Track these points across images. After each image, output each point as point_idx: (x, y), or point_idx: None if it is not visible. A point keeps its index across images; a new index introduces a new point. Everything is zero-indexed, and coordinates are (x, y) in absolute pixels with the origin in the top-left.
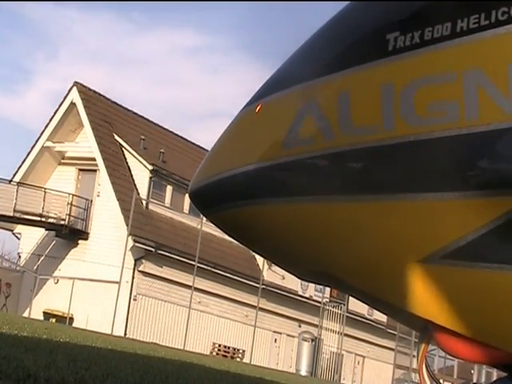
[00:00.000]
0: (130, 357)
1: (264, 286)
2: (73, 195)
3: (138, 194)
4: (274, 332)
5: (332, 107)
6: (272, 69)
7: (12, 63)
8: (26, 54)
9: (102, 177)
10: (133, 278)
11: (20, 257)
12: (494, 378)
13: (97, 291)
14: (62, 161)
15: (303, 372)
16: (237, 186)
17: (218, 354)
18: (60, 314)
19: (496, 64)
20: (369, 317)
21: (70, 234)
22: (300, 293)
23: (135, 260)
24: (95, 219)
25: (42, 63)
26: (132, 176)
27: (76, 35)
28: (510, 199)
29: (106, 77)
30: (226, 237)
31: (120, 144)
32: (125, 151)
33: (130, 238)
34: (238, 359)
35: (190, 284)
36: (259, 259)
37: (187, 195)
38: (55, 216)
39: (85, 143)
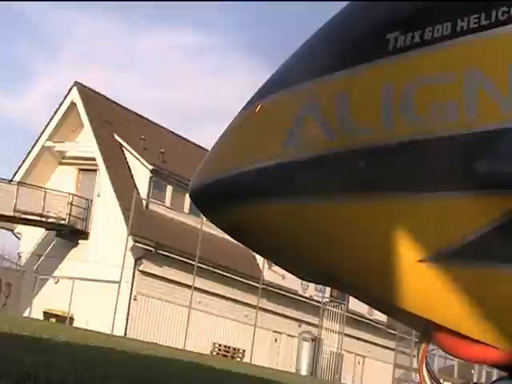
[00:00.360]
0: (130, 357)
1: (264, 286)
2: (73, 195)
3: (139, 193)
4: (274, 332)
5: (332, 107)
6: (272, 69)
7: (12, 63)
8: (27, 54)
9: (103, 177)
10: (133, 277)
11: (20, 257)
12: (494, 377)
13: (97, 291)
14: (63, 160)
15: (303, 372)
16: (237, 186)
17: (218, 353)
18: (60, 313)
19: (496, 64)
20: (369, 317)
21: (70, 233)
22: (300, 293)
23: (135, 260)
24: (95, 219)
25: (42, 63)
26: (132, 176)
27: (76, 35)
28: (509, 199)
29: (106, 77)
30: (227, 236)
31: (120, 144)
32: (125, 151)
33: (130, 237)
34: (238, 359)
35: (190, 284)
36: (259, 259)
37: (187, 195)
38: (55, 216)
39: (85, 143)
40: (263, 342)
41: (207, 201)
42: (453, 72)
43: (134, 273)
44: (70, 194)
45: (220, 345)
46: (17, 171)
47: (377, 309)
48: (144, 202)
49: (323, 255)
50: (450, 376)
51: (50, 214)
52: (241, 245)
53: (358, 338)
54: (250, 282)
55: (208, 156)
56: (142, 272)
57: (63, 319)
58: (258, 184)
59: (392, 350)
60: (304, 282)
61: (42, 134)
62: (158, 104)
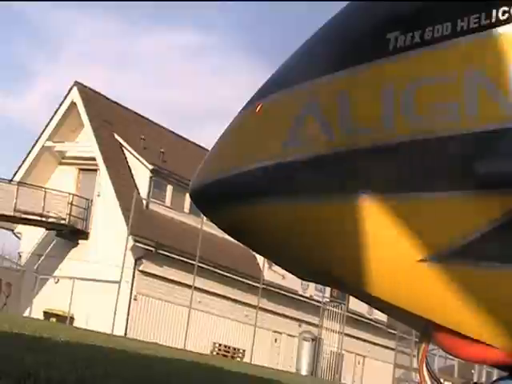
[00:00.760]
0: (130, 356)
1: (264, 286)
2: (73, 195)
3: (139, 193)
4: (275, 332)
5: (332, 107)
6: (272, 69)
7: (12, 63)
8: (27, 54)
9: (103, 176)
10: (133, 277)
11: (20, 256)
12: (495, 377)
13: (97, 291)
14: (63, 160)
15: (303, 372)
16: (237, 185)
17: (218, 353)
18: (60, 313)
19: (496, 64)
20: (369, 316)
21: (70, 233)
22: (300, 292)
23: (135, 260)
24: (95, 219)
25: (42, 63)
26: (132, 175)
27: (76, 35)
28: (509, 199)
29: (106, 77)
30: (227, 236)
31: (120, 143)
32: (125, 151)
33: (130, 237)
34: (239, 359)
35: (191, 284)
36: (260, 259)
37: (188, 195)
38: (55, 216)
39: (85, 143)
40: (263, 341)
41: (207, 200)
42: (453, 72)
43: (134, 273)
44: (70, 193)
45: (220, 345)
46: (17, 171)
47: (377, 308)
48: (144, 202)
49: (323, 255)
50: (451, 376)
51: (50, 214)
52: (241, 245)
53: (358, 338)
54: (250, 282)
55: (208, 156)
56: (142, 272)
57: (63, 319)
58: (257, 184)
59: (392, 349)
60: (304, 282)
61: (42, 133)
62: (158, 104)
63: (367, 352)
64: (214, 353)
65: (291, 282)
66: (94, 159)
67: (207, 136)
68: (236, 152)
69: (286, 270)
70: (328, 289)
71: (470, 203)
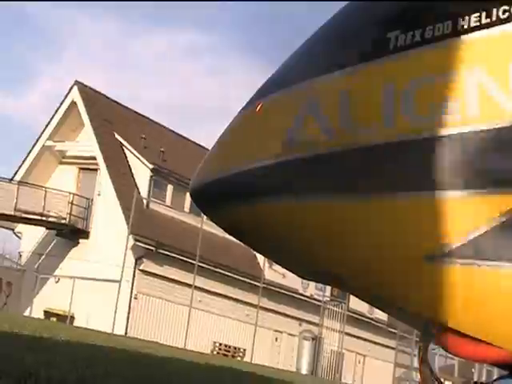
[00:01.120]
0: (130, 356)
1: (265, 285)
2: (73, 194)
3: (139, 192)
4: (275, 331)
5: (332, 106)
6: (272, 69)
7: (13, 63)
8: (27, 54)
9: (103, 176)
10: (133, 276)
11: (21, 256)
12: (495, 376)
13: (98, 290)
14: (63, 160)
15: (304, 371)
16: (238, 184)
17: (218, 352)
18: (61, 312)
19: (497, 62)
20: (369, 315)
21: (70, 233)
22: (301, 291)
23: (136, 259)
24: (96, 218)
25: (42, 63)
26: (133, 175)
27: (76, 35)
28: (511, 197)
29: (107, 76)
30: (227, 236)
31: (120, 143)
32: (125, 150)
33: (130, 236)
34: (239, 358)
35: (191, 283)
36: (260, 258)
37: (188, 194)
38: (56, 215)
39: (85, 142)
40: (264, 341)
41: (208, 200)
42: (454, 70)
43: (134, 272)
44: (70, 193)
45: (221, 344)
46: (17, 170)
47: (377, 307)
48: (144, 201)
49: (324, 254)
50: (451, 375)
51: (51, 214)
52: (241, 244)
53: (359, 337)
54: (250, 281)
55: (208, 155)
56: (143, 271)
57: (64, 318)
58: (258, 183)
59: (393, 348)
60: (304, 281)
61: (42, 133)
62: (158, 103)
63: (368, 351)
64: (215, 352)
65: (292, 281)
66: (94, 158)
67: (207, 135)
68: (236, 151)
69: (286, 268)
70: (328, 288)
71: (473, 202)
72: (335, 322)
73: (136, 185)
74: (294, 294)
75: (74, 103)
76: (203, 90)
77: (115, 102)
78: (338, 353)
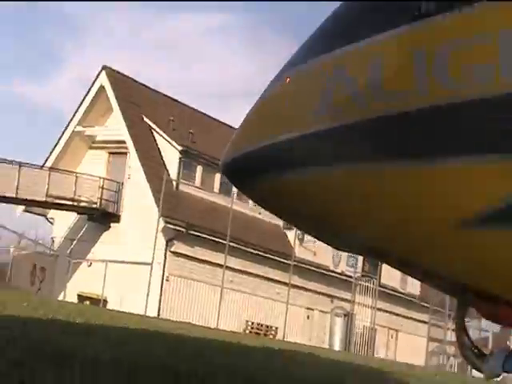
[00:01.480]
0: (163, 336)
1: (295, 263)
2: (104, 179)
3: (169, 175)
4: (307, 308)
5: (363, 74)
6: (300, 41)
7: (41, 49)
8: (55, 40)
9: (133, 159)
10: (165, 258)
11: (53, 241)
12: None
13: (130, 273)
14: (93, 145)
15: (336, 347)
16: (273, 156)
17: (251, 331)
18: (94, 296)
19: None
20: (401, 290)
21: (101, 217)
22: (332, 268)
23: (167, 241)
24: (126, 202)
25: (70, 49)
26: (162, 157)
27: (103, 20)
28: None
29: (134, 60)
30: (257, 215)
31: (149, 126)
32: (154, 133)
33: (161, 219)
34: (271, 336)
35: (222, 263)
36: (290, 236)
37: (217, 175)
38: (87, 200)
39: (114, 126)
40: (296, 318)
41: (241, 173)
42: (488, 33)
43: (165, 254)
44: (100, 177)
45: (253, 323)
46: (48, 157)
47: (413, 277)
48: (174, 183)
49: (359, 223)
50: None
51: (82, 198)
52: (271, 222)
53: (391, 312)
54: (281, 259)
55: (240, 128)
56: (174, 253)
57: (97, 302)
58: (295, 154)
59: (425, 323)
60: (335, 258)
61: (72, 118)
62: (186, 84)
63: (400, 326)
64: (247, 331)
65: (322, 257)
66: (123, 142)
67: (236, 115)
68: (269, 123)
69: (320, 240)
70: (360, 264)
71: (507, 167)
72: (367, 298)
73: (165, 167)
74: (324, 271)
75: (102, 88)
76: (230, 70)
77: (143, 85)
78: (370, 328)
